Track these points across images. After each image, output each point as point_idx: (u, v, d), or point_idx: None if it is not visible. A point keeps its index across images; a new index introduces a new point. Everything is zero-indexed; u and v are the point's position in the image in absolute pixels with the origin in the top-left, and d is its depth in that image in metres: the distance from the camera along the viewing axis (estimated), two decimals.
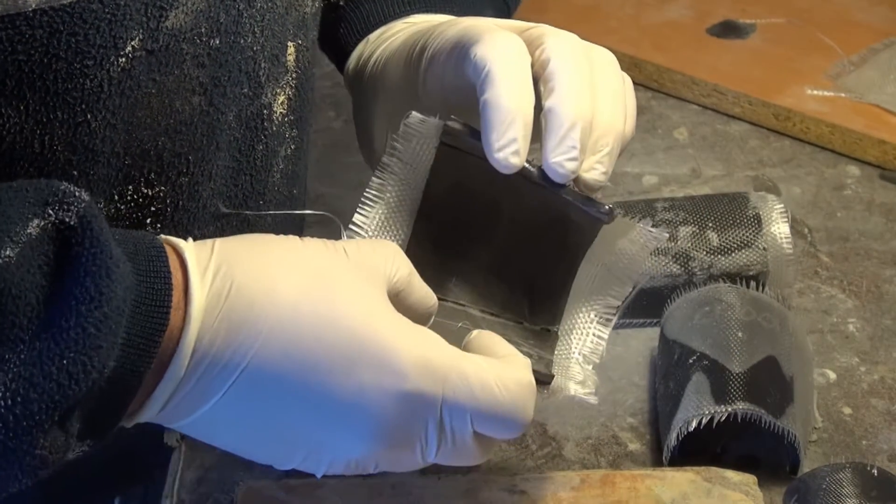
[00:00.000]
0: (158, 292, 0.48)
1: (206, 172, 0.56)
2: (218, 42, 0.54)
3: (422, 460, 0.52)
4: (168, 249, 0.49)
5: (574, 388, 0.55)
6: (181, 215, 0.56)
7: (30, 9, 0.46)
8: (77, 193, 0.46)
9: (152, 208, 0.55)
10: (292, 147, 0.63)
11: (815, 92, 0.87)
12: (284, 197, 0.63)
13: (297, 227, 0.70)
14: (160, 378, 0.48)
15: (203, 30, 0.53)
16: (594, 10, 0.96)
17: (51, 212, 0.45)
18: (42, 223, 0.45)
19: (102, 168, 0.52)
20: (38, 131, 0.50)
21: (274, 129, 0.60)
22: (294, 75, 0.61)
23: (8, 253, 0.44)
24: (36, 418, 0.44)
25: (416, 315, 0.52)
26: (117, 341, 0.46)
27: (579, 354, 0.57)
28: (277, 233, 0.58)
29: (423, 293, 0.53)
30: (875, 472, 0.61)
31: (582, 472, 0.64)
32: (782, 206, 0.74)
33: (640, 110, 0.90)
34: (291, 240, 0.52)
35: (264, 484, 0.64)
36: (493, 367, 0.51)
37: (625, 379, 0.72)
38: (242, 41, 0.56)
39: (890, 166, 0.84)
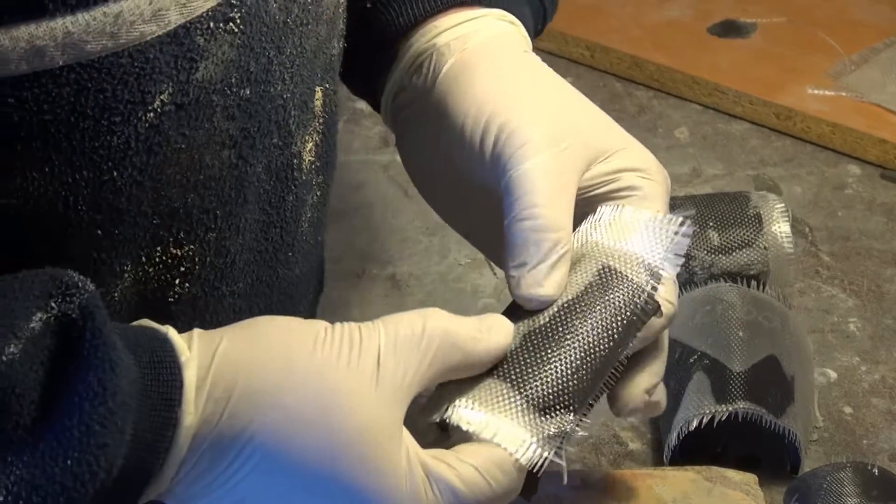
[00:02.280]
0: (166, 384, 0.46)
1: (235, 227, 0.55)
2: (248, 92, 0.53)
3: None
4: (177, 342, 0.48)
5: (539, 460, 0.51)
6: (209, 272, 0.55)
7: (57, 66, 0.45)
8: (81, 283, 0.44)
9: (181, 268, 0.54)
10: (318, 193, 0.61)
11: (816, 91, 0.88)
12: (311, 245, 0.62)
13: (320, 271, 0.68)
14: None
15: (233, 80, 0.51)
16: (596, 9, 0.96)
17: (53, 304, 0.44)
18: (44, 317, 0.43)
19: (129, 228, 0.51)
20: (63, 192, 0.48)
21: (303, 178, 0.58)
22: (321, 120, 0.59)
23: (12, 350, 0.42)
24: None
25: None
26: (125, 438, 0.44)
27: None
28: (303, 283, 0.60)
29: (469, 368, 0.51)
30: (876, 471, 0.62)
31: (582, 471, 0.65)
32: (783, 205, 0.74)
33: (642, 109, 0.91)
34: (307, 342, 0.49)
35: None
36: (467, 458, 0.49)
37: None
38: (272, 90, 0.54)
39: (891, 166, 0.84)
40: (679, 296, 0.69)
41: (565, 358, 0.52)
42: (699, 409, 0.64)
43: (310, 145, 0.58)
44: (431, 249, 0.85)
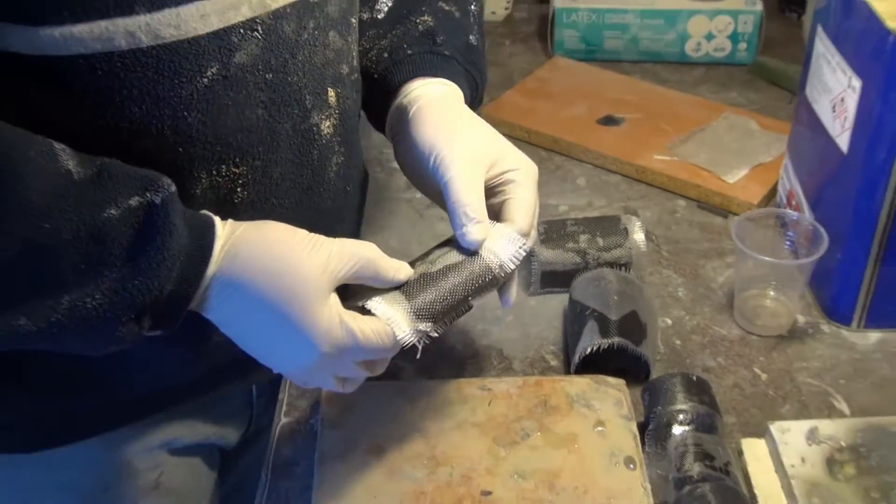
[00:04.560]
0: (203, 248, 0.46)
1: (273, 160, 0.52)
2: (270, 76, 0.50)
3: (335, 383, 0.50)
4: (219, 228, 0.47)
5: (404, 339, 0.50)
6: (259, 187, 0.52)
7: (143, 45, 0.44)
8: (167, 185, 0.45)
9: (240, 181, 0.51)
10: (342, 158, 0.57)
11: (659, 157, 0.87)
12: (340, 190, 0.58)
13: (355, 210, 0.64)
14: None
15: (260, 67, 0.49)
16: (531, 110, 0.95)
17: (147, 194, 0.44)
18: (140, 200, 0.43)
19: (200, 150, 0.48)
20: (155, 122, 0.46)
21: (324, 142, 0.54)
22: (337, 111, 0.55)
23: (112, 212, 0.42)
24: (117, 315, 0.43)
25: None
26: (172, 276, 0.44)
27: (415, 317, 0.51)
28: (335, 213, 0.57)
29: (378, 281, 0.50)
30: (695, 378, 0.61)
31: (523, 378, 0.64)
32: (640, 223, 0.74)
33: (558, 167, 0.90)
34: (286, 235, 0.47)
35: None
36: (370, 326, 0.48)
37: (548, 324, 0.71)
38: (289, 78, 0.51)
39: (703, 200, 0.83)
40: (580, 275, 0.68)
41: (437, 291, 0.51)
42: (591, 341, 0.64)
43: (327, 123, 0.54)
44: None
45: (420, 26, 0.59)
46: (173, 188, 0.45)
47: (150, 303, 0.44)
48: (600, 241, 0.72)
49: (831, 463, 0.55)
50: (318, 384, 0.51)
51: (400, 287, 0.50)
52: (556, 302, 0.71)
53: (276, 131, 0.51)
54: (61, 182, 0.41)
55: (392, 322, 0.49)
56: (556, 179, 0.87)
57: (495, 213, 0.54)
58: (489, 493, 0.53)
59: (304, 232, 0.47)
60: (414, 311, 0.50)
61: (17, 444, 0.57)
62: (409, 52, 0.58)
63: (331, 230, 0.51)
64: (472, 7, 0.63)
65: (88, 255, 0.42)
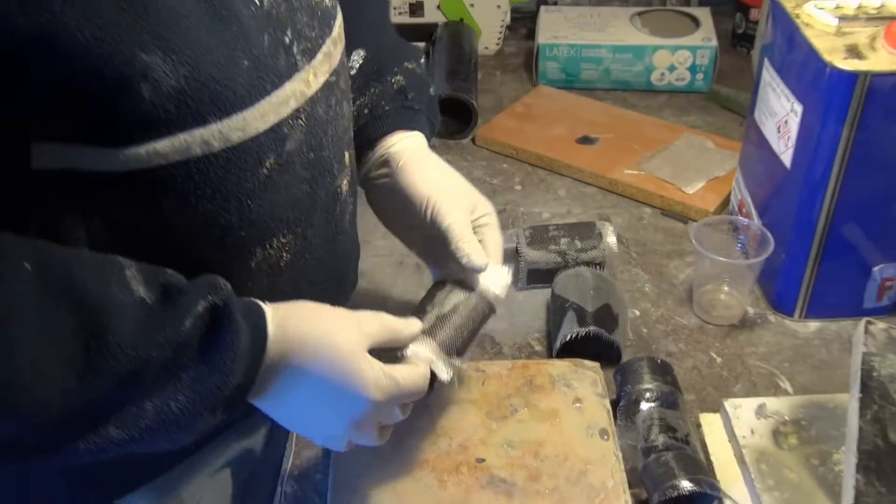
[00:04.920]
0: (258, 337, 0.45)
1: (310, 224, 0.52)
2: (312, 155, 0.50)
3: (377, 435, 0.50)
4: (268, 312, 0.46)
5: (443, 376, 0.52)
6: (299, 249, 0.51)
7: (216, 150, 0.44)
8: (224, 285, 0.44)
9: (286, 249, 0.50)
10: (351, 208, 0.58)
11: (629, 171, 0.89)
12: (350, 234, 0.59)
13: (356, 251, 0.63)
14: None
15: (304, 149, 0.49)
16: (519, 130, 0.96)
17: (210, 297, 0.43)
18: (205, 304, 0.42)
19: (257, 231, 0.48)
20: (223, 213, 0.46)
21: (342, 198, 0.55)
22: (349, 169, 0.56)
23: (188, 324, 0.42)
24: (199, 411, 0.43)
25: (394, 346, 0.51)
26: (240, 371, 0.44)
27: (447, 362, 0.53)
28: (348, 255, 0.58)
29: (397, 340, 0.50)
30: (659, 361, 0.63)
31: (512, 361, 0.64)
32: (612, 227, 0.75)
33: (542, 180, 0.92)
34: (321, 311, 0.48)
35: None
36: (407, 372, 0.49)
37: (534, 315, 0.72)
38: (324, 153, 0.51)
39: (666, 208, 0.85)
40: (560, 272, 0.70)
41: (454, 328, 0.53)
42: (570, 329, 0.65)
43: (345, 182, 0.55)
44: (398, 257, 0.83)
45: (395, 85, 0.60)
46: (229, 286, 0.44)
47: (226, 398, 0.43)
48: (578, 244, 0.73)
49: (777, 434, 0.57)
50: (362, 441, 0.49)
51: (424, 331, 0.52)
52: (541, 296, 0.73)
53: (314, 200, 0.52)
54: (142, 313, 0.40)
55: (432, 363, 0.50)
56: (541, 191, 0.88)
57: None
58: (483, 460, 0.54)
59: (332, 307, 0.48)
60: (443, 350, 0.51)
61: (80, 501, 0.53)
62: (387, 108, 0.59)
63: (347, 269, 0.51)
64: (423, 61, 0.64)
65: (168, 366, 0.41)
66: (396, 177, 0.57)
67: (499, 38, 1.08)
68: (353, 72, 0.60)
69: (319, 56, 0.49)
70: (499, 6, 1.04)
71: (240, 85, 0.43)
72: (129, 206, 0.43)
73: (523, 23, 1.13)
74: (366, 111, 0.60)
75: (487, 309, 0.55)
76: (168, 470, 0.56)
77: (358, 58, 0.60)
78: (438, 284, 0.56)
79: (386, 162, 0.58)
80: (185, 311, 0.41)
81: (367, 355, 0.47)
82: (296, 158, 0.49)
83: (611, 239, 0.74)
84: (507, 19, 1.06)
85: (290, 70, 0.46)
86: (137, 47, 0.38)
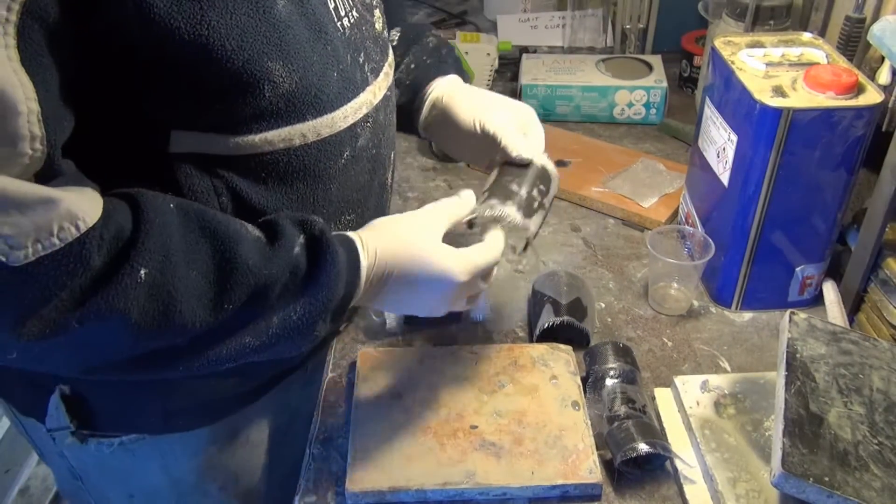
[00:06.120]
0: (354, 257, 0.46)
1: (367, 206, 0.54)
2: (374, 151, 0.53)
3: (466, 303, 0.51)
4: (357, 241, 0.48)
5: (514, 218, 0.51)
6: (361, 219, 0.53)
7: (310, 141, 0.46)
8: (316, 220, 0.45)
9: (350, 226, 0.53)
10: (389, 197, 0.60)
11: (596, 189, 0.88)
12: (391, 201, 0.62)
13: None
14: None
15: (370, 146, 0.52)
16: None
17: (307, 229, 0.45)
18: (304, 237, 0.44)
19: (332, 208, 0.51)
20: (310, 192, 0.48)
21: (388, 187, 0.58)
22: (393, 165, 0.59)
23: (297, 250, 0.43)
24: (314, 321, 0.44)
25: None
26: (342, 285, 0.45)
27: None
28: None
29: (459, 215, 0.51)
30: (621, 345, 0.62)
31: (500, 345, 0.64)
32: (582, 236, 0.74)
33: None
34: (395, 223, 0.49)
35: (372, 349, 0.62)
36: (479, 250, 0.50)
37: (517, 307, 0.71)
38: (381, 150, 0.54)
39: (627, 219, 0.84)
40: (539, 273, 0.68)
41: (517, 183, 0.52)
42: (548, 319, 0.65)
43: (390, 174, 0.58)
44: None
45: (430, 44, 0.62)
46: (321, 222, 0.46)
47: (334, 307, 0.45)
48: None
49: (718, 405, 0.57)
50: (457, 308, 0.51)
51: (484, 199, 0.51)
52: (524, 291, 0.72)
53: (371, 187, 0.54)
54: (260, 244, 0.42)
55: (503, 213, 0.50)
56: None
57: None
58: (476, 426, 0.55)
59: (401, 217, 0.49)
60: (515, 203, 0.50)
61: (190, 424, 0.56)
62: (428, 61, 0.61)
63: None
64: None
65: (287, 285, 0.42)
66: (446, 109, 0.58)
67: (489, 80, 1.09)
68: (394, 43, 0.61)
69: (381, 75, 0.52)
70: (488, 54, 1.06)
71: (331, 92, 0.46)
72: (243, 183, 0.45)
73: (509, 67, 1.12)
74: (412, 66, 0.61)
75: (544, 176, 0.54)
76: (231, 413, 0.58)
77: (395, 33, 0.62)
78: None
79: (434, 103, 0.60)
80: (293, 241, 0.43)
81: (443, 247, 0.48)
82: (363, 153, 0.51)
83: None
84: (496, 64, 1.07)
85: (363, 84, 0.50)
86: (265, 56, 0.41)
